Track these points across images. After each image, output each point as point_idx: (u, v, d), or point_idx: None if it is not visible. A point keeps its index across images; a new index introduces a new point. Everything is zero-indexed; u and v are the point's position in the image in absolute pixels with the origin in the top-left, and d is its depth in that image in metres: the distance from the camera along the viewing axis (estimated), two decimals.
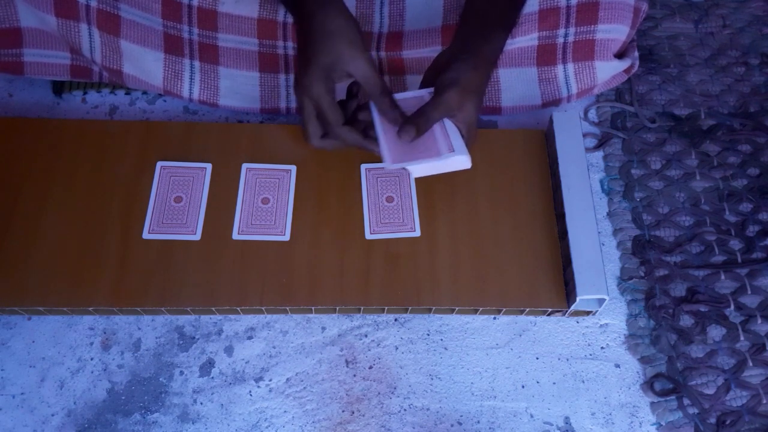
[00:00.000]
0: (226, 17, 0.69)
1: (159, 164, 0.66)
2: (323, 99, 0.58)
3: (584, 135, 0.73)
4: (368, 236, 0.63)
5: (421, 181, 0.66)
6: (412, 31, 0.73)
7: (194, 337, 0.62)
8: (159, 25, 0.68)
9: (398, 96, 0.61)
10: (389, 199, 0.65)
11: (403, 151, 0.59)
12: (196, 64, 0.70)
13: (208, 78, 0.70)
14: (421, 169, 0.58)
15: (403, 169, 0.59)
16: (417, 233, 0.64)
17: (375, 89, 0.59)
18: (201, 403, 0.59)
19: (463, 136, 0.59)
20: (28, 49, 0.69)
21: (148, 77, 0.69)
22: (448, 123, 0.59)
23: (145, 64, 0.68)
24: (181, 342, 0.61)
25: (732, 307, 0.64)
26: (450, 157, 0.57)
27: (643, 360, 0.62)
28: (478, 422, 0.59)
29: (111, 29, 0.66)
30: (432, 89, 0.60)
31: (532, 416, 0.59)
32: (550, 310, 0.62)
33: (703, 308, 0.64)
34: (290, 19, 0.70)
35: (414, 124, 0.57)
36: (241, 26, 0.69)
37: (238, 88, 0.71)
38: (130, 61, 0.68)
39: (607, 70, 0.70)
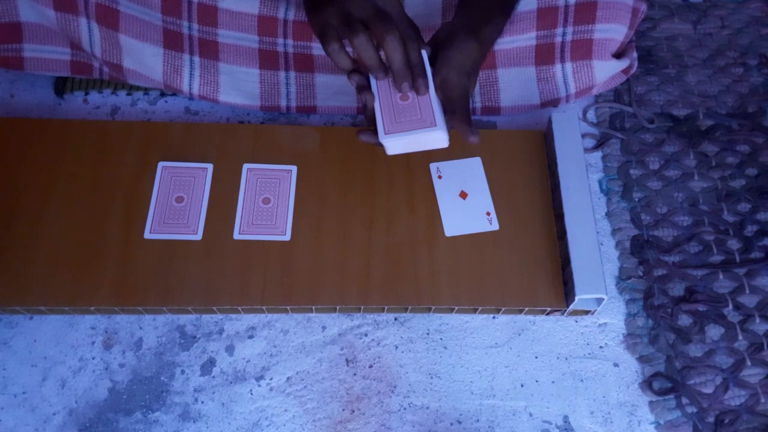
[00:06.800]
0: (227, 13, 0.69)
1: (160, 164, 0.66)
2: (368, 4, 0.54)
3: (583, 135, 0.73)
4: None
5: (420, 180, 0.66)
6: None
7: (195, 337, 0.62)
8: (158, 21, 0.68)
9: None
10: None
11: (394, 124, 0.57)
12: (196, 59, 0.70)
13: (207, 73, 0.70)
14: (398, 144, 0.57)
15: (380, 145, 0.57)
16: None
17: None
18: (202, 402, 0.59)
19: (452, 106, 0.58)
20: (28, 44, 0.69)
21: (148, 72, 0.69)
22: (435, 99, 0.58)
23: (144, 58, 0.69)
24: (182, 341, 0.62)
25: (730, 306, 0.64)
26: (429, 132, 0.55)
27: (642, 359, 0.62)
28: (478, 421, 0.59)
29: (110, 23, 0.67)
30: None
31: (531, 415, 0.59)
32: (548, 309, 0.62)
33: (701, 308, 0.64)
34: (291, 17, 0.70)
35: (411, 79, 0.56)
36: (242, 22, 0.70)
37: (238, 84, 0.71)
38: (130, 55, 0.68)
39: (606, 70, 0.71)
